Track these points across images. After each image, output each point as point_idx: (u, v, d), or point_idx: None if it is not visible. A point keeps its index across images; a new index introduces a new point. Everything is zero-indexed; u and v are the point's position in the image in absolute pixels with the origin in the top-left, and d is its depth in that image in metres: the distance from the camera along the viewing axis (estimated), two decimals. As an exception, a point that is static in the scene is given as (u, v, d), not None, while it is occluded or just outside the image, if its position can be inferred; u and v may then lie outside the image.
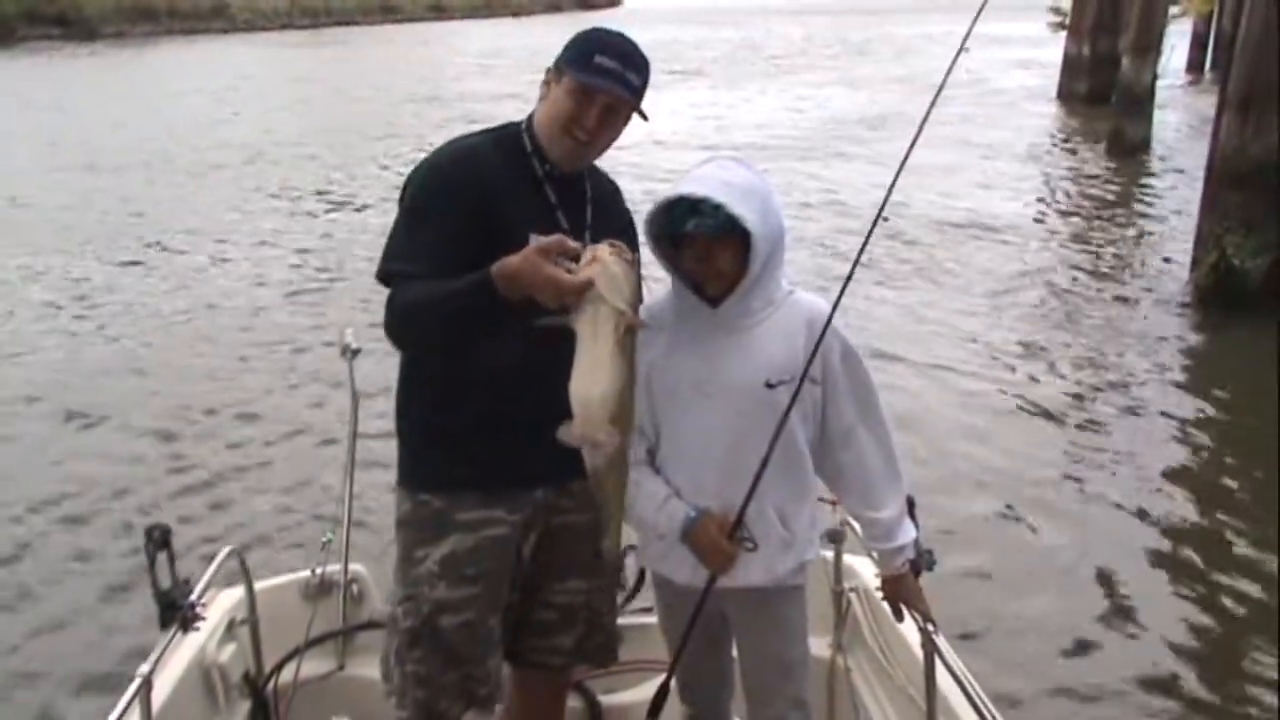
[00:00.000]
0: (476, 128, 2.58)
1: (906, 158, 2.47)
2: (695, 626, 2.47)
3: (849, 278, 2.48)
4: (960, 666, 2.41)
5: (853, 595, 3.15)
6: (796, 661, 2.62)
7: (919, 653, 2.53)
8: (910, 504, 2.52)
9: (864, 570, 3.08)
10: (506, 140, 2.49)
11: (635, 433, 2.25)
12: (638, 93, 2.42)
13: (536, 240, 2.11)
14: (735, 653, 2.69)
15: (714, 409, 2.41)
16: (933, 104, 2.50)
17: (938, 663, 2.47)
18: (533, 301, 2.09)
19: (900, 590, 2.53)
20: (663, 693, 2.55)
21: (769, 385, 2.38)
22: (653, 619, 3.08)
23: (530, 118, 2.51)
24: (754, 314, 2.41)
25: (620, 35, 2.45)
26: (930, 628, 2.48)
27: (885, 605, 2.75)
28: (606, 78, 2.38)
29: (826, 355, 2.42)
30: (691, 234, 2.34)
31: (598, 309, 2.01)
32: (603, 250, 2.04)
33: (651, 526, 2.49)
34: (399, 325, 2.35)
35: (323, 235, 13.25)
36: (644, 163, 14.71)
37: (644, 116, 2.43)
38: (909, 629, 2.66)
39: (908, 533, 2.49)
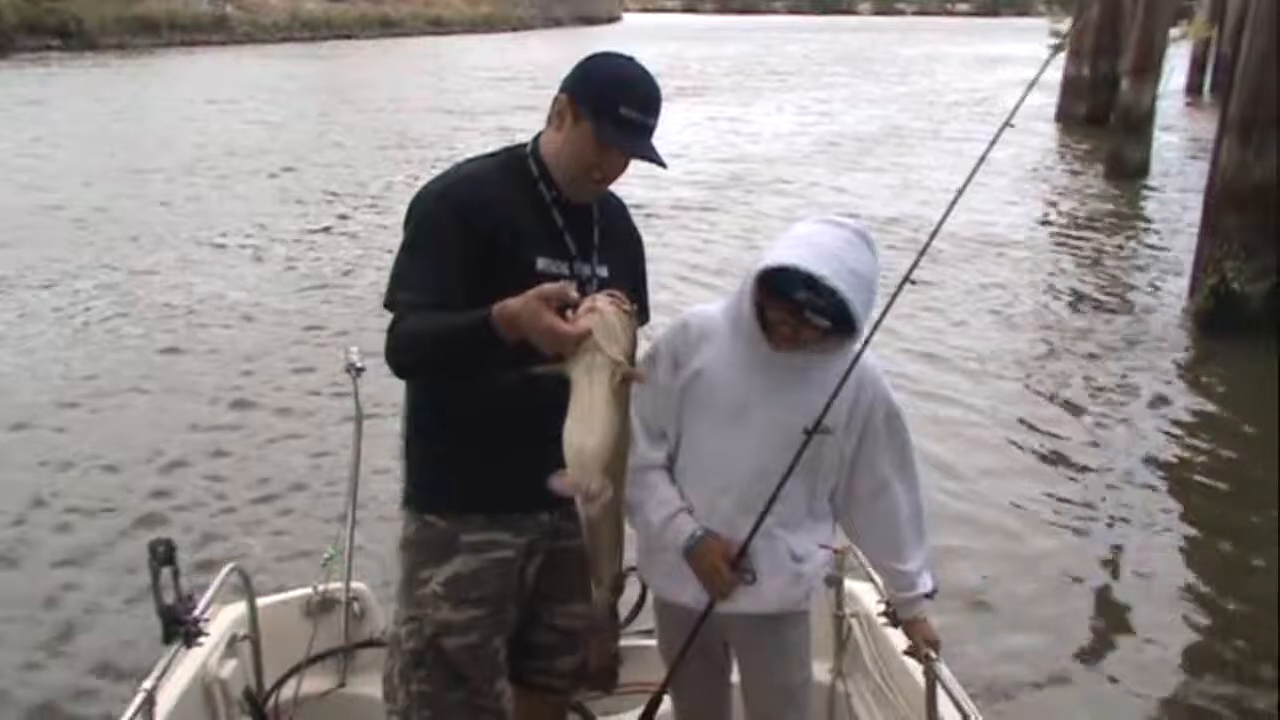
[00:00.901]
0: (493, 139, 2.56)
1: (956, 199, 2.47)
2: (697, 653, 2.46)
3: (883, 315, 2.43)
4: (961, 694, 2.41)
5: (854, 621, 3.15)
6: (800, 687, 2.62)
7: (920, 680, 2.53)
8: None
9: (865, 596, 3.08)
10: (512, 164, 2.49)
11: (628, 483, 2.21)
12: (654, 131, 2.42)
13: (540, 287, 2.08)
14: (737, 679, 2.68)
15: (746, 438, 2.39)
16: (981, 159, 2.47)
17: (939, 690, 2.46)
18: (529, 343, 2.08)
19: (917, 631, 2.54)
20: (653, 706, 2.53)
21: (806, 432, 2.36)
22: (653, 641, 3.08)
23: (537, 141, 2.51)
24: (812, 361, 2.39)
25: (639, 73, 2.43)
26: (932, 655, 2.48)
27: (886, 632, 2.77)
28: (633, 133, 2.37)
29: (870, 413, 2.42)
30: (795, 305, 2.30)
31: (593, 358, 2.00)
32: (601, 300, 2.03)
33: (655, 535, 2.48)
34: (400, 355, 2.34)
35: (337, 248, 13.25)
36: (658, 174, 14.66)
37: (662, 165, 2.41)
38: (910, 658, 2.66)
39: (927, 583, 2.51)
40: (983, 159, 2.51)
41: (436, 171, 2.57)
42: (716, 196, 16.78)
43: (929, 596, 2.51)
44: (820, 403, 2.35)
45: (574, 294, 2.08)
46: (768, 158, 20.77)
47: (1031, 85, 2.70)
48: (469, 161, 2.53)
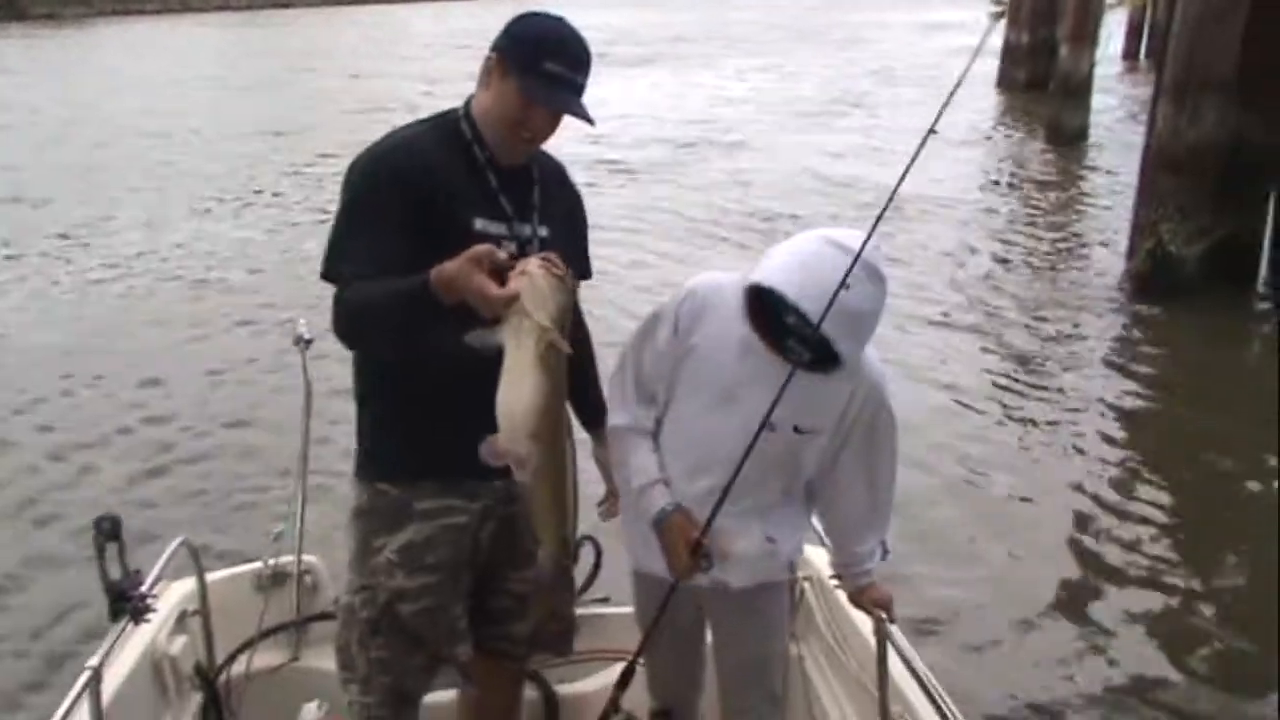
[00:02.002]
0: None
1: (909, 167, 2.42)
2: (669, 620, 2.48)
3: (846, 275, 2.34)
4: (913, 655, 2.45)
5: (807, 585, 3.17)
6: (774, 656, 2.65)
7: (872, 641, 2.56)
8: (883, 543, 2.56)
9: (818, 560, 3.10)
10: (445, 128, 2.47)
11: (565, 444, 2.20)
12: (583, 89, 2.41)
13: (471, 249, 2.08)
14: (708, 649, 2.71)
15: (729, 424, 2.37)
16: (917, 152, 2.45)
17: (890, 651, 2.50)
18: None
19: (866, 598, 2.56)
20: (627, 674, 2.55)
21: (797, 431, 2.35)
22: (608, 609, 3.11)
23: (469, 104, 2.50)
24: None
25: (568, 31, 2.41)
26: (883, 615, 2.51)
27: (839, 594, 2.79)
28: (558, 87, 2.37)
29: (862, 421, 2.40)
30: (782, 329, 2.28)
31: (521, 323, 2.00)
32: (532, 264, 2.01)
33: (633, 502, 2.50)
34: (346, 326, 2.34)
35: (287, 219, 13.08)
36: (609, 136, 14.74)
37: (590, 121, 2.39)
38: (862, 618, 2.70)
39: (875, 560, 2.53)
40: (932, 131, 2.46)
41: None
42: (685, 154, 17.31)
43: (882, 558, 2.55)
44: (818, 403, 2.34)
45: (502, 255, 2.07)
46: (731, 120, 20.94)
47: (976, 54, 2.66)
48: (402, 128, 2.51)
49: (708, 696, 2.79)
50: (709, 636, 2.72)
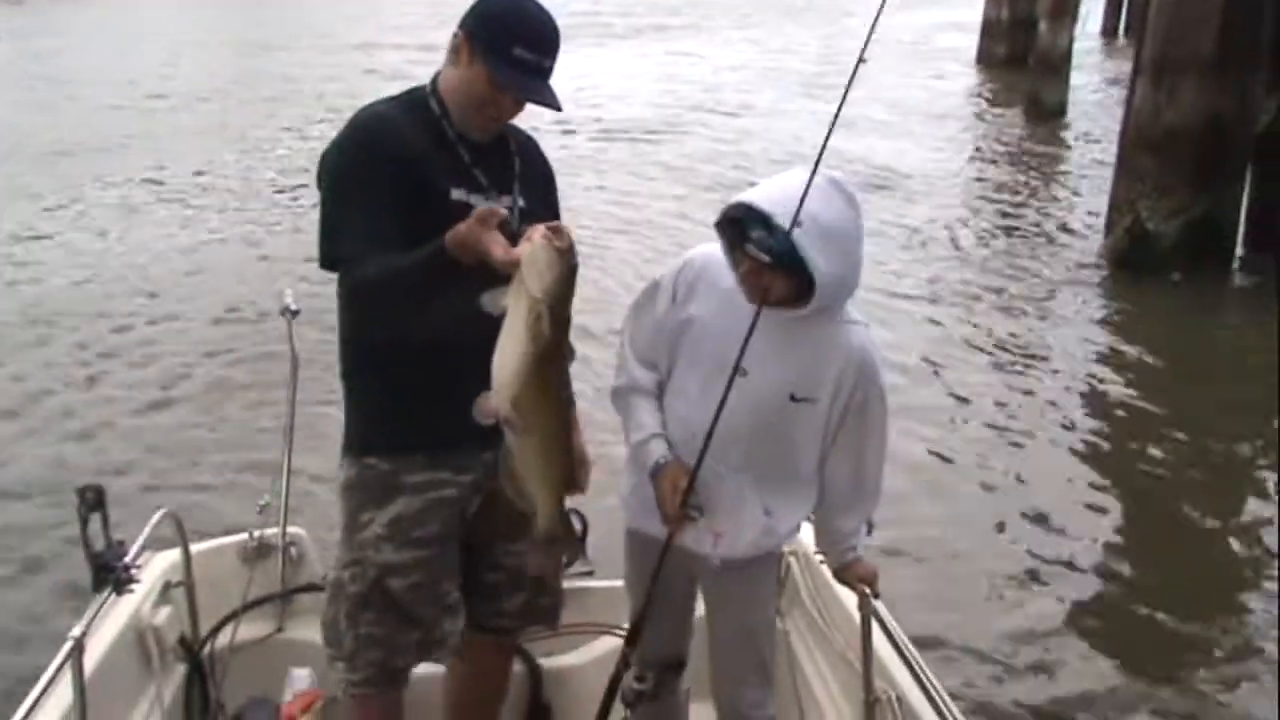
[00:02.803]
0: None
1: (829, 136, 2.40)
2: (662, 585, 2.49)
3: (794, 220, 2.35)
4: (897, 630, 2.48)
5: (792, 560, 3.18)
6: (764, 626, 2.67)
7: (856, 616, 2.57)
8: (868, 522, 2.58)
9: (804, 534, 3.07)
10: (414, 104, 2.47)
11: (556, 409, 2.20)
12: (551, 72, 2.41)
13: (477, 210, 2.09)
14: (697, 621, 2.72)
15: (733, 392, 2.36)
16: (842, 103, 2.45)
17: (874, 626, 2.51)
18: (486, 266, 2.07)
19: (851, 574, 2.58)
20: (634, 632, 2.55)
21: (793, 398, 2.38)
22: (594, 583, 3.11)
23: (436, 80, 2.49)
24: (805, 320, 2.35)
25: (535, 11, 2.40)
26: (866, 590, 2.53)
27: (824, 569, 2.81)
28: (525, 74, 2.36)
29: (855, 393, 2.41)
30: (754, 256, 2.28)
31: (520, 290, 2.01)
32: (536, 233, 2.02)
33: (633, 457, 2.53)
34: (363, 306, 2.35)
35: (276, 193, 13.00)
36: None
37: (557, 108, 2.39)
38: (847, 593, 2.71)
39: (860, 539, 2.55)
40: (861, 60, 2.44)
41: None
42: (683, 117, 17.76)
43: (868, 534, 2.56)
44: (812, 371, 2.36)
45: (504, 211, 2.09)
46: (723, 87, 21.15)
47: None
48: (369, 105, 2.51)
49: (692, 666, 2.80)
50: (699, 609, 2.73)
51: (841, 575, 2.61)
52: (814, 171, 2.26)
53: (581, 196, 11.74)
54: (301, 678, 3.10)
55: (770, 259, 2.26)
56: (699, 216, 10.45)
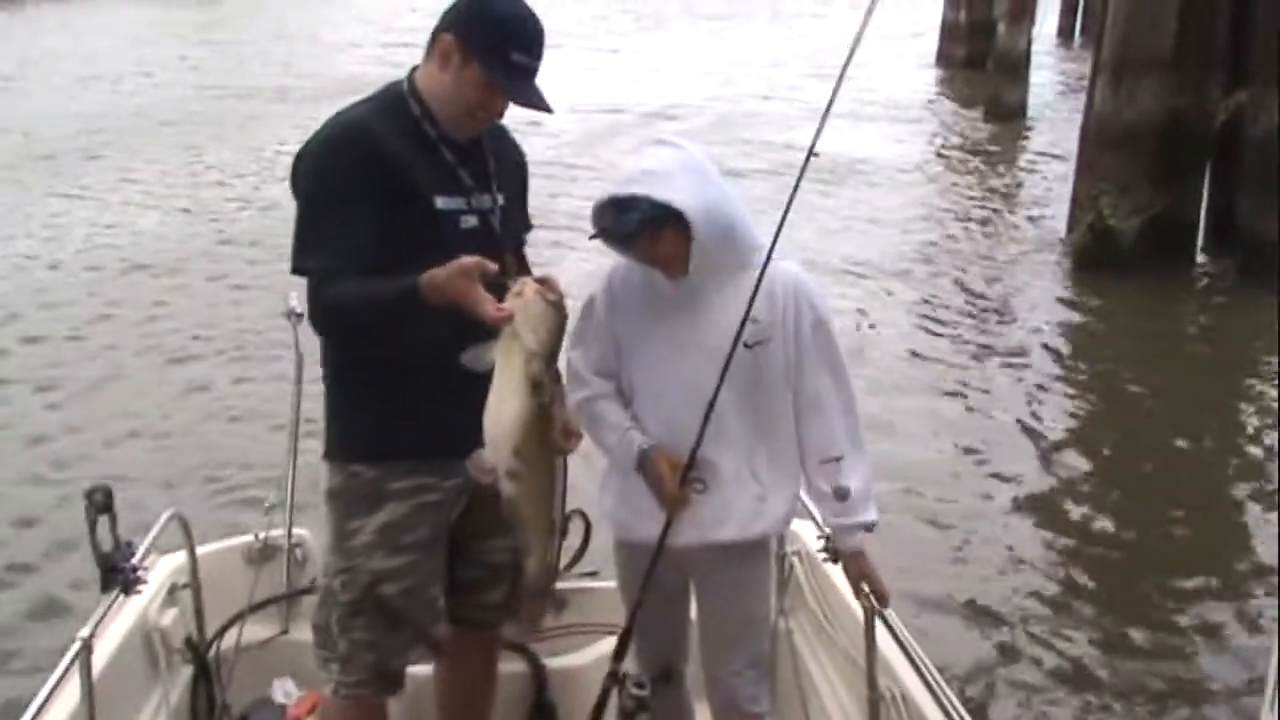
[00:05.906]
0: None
1: (813, 146, 2.55)
2: (655, 586, 2.50)
3: (780, 226, 2.48)
4: (902, 629, 2.49)
5: (795, 559, 3.17)
6: (758, 619, 2.68)
7: (860, 616, 2.56)
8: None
9: (806, 535, 3.09)
10: (391, 107, 2.45)
11: (551, 461, 2.27)
12: (538, 72, 2.44)
13: (460, 262, 2.12)
14: (694, 615, 2.72)
15: (693, 365, 2.43)
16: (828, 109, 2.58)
17: (879, 626, 2.51)
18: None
19: (858, 568, 2.55)
20: (623, 643, 2.56)
21: (746, 345, 2.40)
22: (597, 583, 3.11)
23: (413, 79, 2.47)
24: (721, 277, 2.43)
25: (527, 16, 2.41)
26: (865, 588, 2.53)
27: (827, 569, 2.81)
28: (523, 78, 2.38)
29: (798, 322, 2.45)
30: (629, 232, 2.37)
31: (512, 343, 2.05)
32: (529, 287, 2.06)
33: (615, 461, 2.54)
34: (326, 323, 2.37)
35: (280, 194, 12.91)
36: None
37: (549, 110, 2.42)
38: (850, 591, 2.68)
39: (870, 512, 2.51)
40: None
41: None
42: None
43: (868, 529, 2.52)
44: (734, 317, 2.40)
45: (492, 267, 2.13)
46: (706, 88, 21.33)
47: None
48: (345, 110, 2.48)
49: (693, 665, 2.79)
50: (694, 607, 2.74)
51: (849, 565, 2.59)
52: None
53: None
54: (289, 692, 3.13)
55: (638, 226, 2.36)
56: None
